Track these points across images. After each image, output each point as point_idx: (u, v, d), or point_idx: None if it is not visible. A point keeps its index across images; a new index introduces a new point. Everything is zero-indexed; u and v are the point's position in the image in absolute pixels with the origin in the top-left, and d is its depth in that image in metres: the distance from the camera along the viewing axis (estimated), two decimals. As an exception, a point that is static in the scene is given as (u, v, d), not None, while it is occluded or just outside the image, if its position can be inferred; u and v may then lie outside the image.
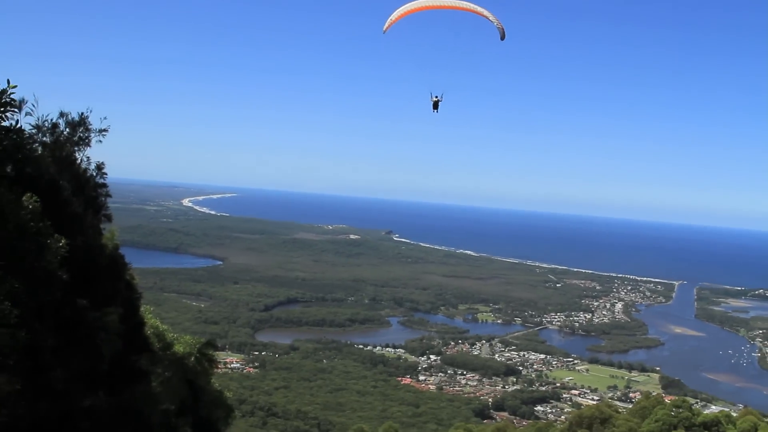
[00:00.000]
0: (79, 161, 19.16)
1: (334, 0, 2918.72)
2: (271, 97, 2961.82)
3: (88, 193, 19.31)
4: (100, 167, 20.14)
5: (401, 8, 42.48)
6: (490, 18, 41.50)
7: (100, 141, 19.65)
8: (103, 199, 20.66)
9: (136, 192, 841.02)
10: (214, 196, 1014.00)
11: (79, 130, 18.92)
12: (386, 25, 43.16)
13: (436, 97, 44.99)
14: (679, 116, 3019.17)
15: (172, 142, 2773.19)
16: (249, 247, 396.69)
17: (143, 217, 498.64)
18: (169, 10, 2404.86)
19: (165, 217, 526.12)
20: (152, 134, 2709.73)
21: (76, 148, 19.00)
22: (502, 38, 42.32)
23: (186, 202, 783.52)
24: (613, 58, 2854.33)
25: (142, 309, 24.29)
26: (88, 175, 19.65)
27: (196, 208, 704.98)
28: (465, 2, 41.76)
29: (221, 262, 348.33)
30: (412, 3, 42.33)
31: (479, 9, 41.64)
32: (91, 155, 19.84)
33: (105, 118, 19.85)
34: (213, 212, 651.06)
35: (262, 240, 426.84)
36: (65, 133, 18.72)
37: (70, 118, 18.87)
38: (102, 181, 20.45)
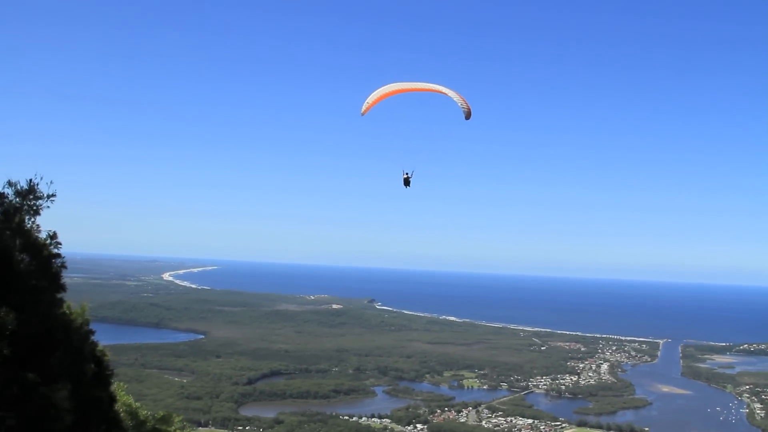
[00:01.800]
0: (31, 230, 18.75)
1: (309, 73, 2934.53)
2: (246, 164, 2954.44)
3: (42, 263, 18.85)
4: (53, 236, 19.70)
5: (377, 92, 43.95)
6: (455, 99, 42.81)
7: (48, 206, 19.30)
8: (58, 269, 20.12)
9: (116, 267, 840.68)
10: (195, 270, 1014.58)
11: (28, 198, 18.54)
12: (364, 108, 44.44)
13: (407, 173, 46.04)
14: (650, 176, 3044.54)
15: (151, 217, 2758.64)
16: (231, 320, 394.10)
17: (123, 292, 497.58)
18: (129, 86, 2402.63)
19: (145, 292, 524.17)
20: (129, 209, 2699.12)
21: (27, 218, 18.59)
22: (467, 118, 43.60)
23: (166, 276, 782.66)
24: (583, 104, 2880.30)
25: (114, 386, 23.65)
26: (41, 244, 19.20)
27: (177, 281, 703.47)
28: (435, 85, 43.45)
29: (203, 336, 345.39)
30: (388, 87, 43.91)
31: (445, 90, 43.13)
32: (54, 227, 19.63)
33: (51, 183, 19.54)
34: (194, 286, 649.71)
35: (243, 312, 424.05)
36: (15, 202, 18.34)
37: (19, 187, 18.52)
38: (56, 251, 19.97)
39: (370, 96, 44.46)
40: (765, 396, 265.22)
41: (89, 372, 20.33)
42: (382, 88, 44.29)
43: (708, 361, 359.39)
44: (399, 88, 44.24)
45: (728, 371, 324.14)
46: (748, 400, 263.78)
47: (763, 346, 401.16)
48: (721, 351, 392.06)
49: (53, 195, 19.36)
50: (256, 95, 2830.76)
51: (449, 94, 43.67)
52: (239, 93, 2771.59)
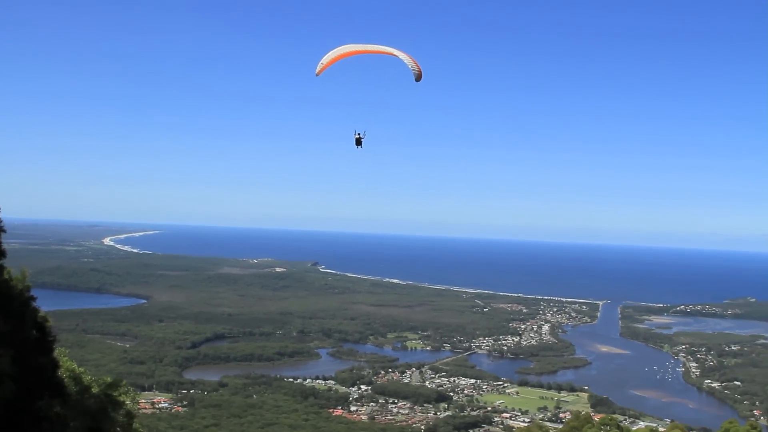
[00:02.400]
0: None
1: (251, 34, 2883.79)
2: (187, 126, 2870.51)
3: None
4: (-9, 202, 19.35)
5: (332, 53, 44.30)
6: (406, 61, 43.41)
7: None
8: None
9: (56, 232, 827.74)
10: (136, 234, 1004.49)
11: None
12: (318, 69, 44.78)
13: (359, 134, 46.48)
14: (591, 138, 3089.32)
15: (90, 180, 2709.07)
16: (173, 285, 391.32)
17: (63, 257, 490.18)
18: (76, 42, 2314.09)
19: (86, 257, 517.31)
20: (67, 172, 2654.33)
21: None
22: (417, 80, 44.14)
23: (107, 241, 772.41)
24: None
25: (56, 351, 23.40)
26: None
27: (118, 246, 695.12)
28: (388, 47, 43.96)
29: (145, 301, 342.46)
30: (342, 48, 44.19)
31: (396, 52, 43.74)
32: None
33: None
34: (135, 250, 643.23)
35: (186, 276, 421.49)
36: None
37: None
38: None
39: (325, 57, 44.97)
40: (700, 355, 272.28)
41: (32, 338, 20.18)
42: (337, 49, 44.85)
43: (646, 321, 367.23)
44: (353, 49, 44.92)
45: (665, 331, 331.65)
46: (684, 359, 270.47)
47: (699, 307, 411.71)
48: (659, 312, 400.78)
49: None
50: (195, 55, 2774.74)
51: (400, 56, 44.37)
52: (177, 54, 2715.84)
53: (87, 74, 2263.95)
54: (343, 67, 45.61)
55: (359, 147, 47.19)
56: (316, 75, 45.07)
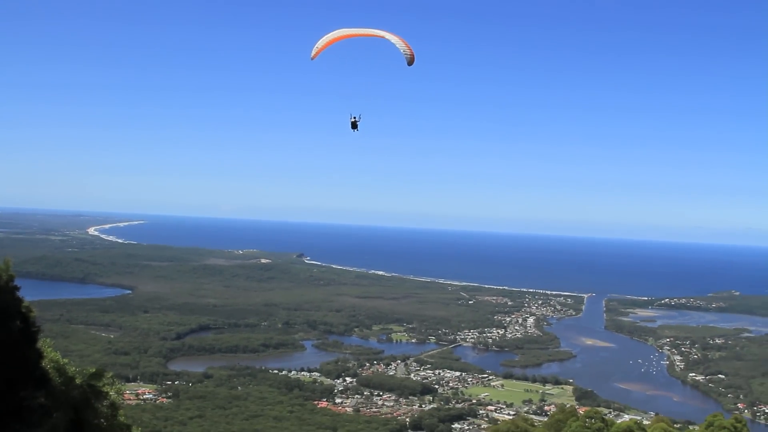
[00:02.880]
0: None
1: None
2: (172, 116, 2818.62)
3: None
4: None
5: (326, 37, 44.20)
6: (399, 45, 43.37)
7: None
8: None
9: (40, 222, 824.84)
10: (121, 224, 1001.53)
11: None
12: (314, 52, 44.68)
13: (354, 117, 46.58)
14: (574, 130, 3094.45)
15: (74, 170, 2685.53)
16: (158, 275, 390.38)
17: (48, 247, 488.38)
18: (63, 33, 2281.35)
19: (70, 247, 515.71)
20: (53, 161, 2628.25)
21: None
22: (410, 64, 44.07)
23: (92, 230, 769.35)
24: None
25: (40, 342, 23.07)
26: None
27: (103, 236, 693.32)
28: (382, 31, 43.88)
29: (130, 291, 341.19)
30: (337, 32, 44.05)
31: (389, 36, 43.70)
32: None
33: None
34: (120, 240, 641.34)
35: (171, 267, 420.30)
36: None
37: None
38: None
39: (320, 41, 44.92)
40: (684, 348, 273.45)
41: (15, 329, 19.86)
42: (331, 33, 44.78)
43: (630, 314, 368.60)
44: (348, 33, 44.93)
45: (650, 325, 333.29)
46: (669, 352, 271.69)
47: (683, 301, 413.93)
48: (643, 305, 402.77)
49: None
50: (179, 45, 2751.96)
51: (393, 40, 44.26)
52: (161, 45, 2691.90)
53: (70, 64, 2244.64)
54: (337, 51, 45.76)
55: (355, 130, 47.47)
56: (312, 58, 45.12)
